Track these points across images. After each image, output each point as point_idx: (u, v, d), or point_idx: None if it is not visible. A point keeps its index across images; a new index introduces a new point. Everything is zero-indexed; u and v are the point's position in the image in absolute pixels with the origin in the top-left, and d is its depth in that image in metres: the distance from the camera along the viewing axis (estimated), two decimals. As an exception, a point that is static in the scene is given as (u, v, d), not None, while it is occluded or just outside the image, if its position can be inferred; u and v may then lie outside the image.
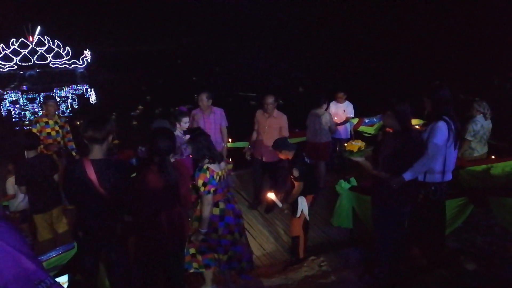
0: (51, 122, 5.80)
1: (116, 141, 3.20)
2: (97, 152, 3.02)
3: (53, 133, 5.81)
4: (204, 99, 5.89)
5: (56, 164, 4.87)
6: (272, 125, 5.85)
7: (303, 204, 4.59)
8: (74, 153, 6.11)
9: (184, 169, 3.45)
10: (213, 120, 6.00)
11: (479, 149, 5.85)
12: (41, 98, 22.30)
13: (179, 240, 3.42)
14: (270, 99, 5.76)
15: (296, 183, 4.56)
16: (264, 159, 5.98)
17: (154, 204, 3.21)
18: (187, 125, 5.09)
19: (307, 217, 4.72)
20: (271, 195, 4.64)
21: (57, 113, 6.03)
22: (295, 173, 4.51)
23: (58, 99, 20.04)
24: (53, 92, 23.50)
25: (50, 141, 5.77)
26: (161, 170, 3.14)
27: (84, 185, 2.94)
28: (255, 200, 6.37)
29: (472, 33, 36.03)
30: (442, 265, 4.00)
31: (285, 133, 5.89)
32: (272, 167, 6.06)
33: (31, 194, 4.62)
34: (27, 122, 15.98)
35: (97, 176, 2.96)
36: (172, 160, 3.50)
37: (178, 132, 5.03)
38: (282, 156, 4.75)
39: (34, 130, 5.63)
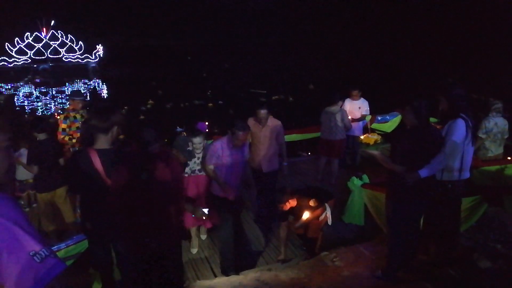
0: (78, 116, 5.90)
1: (121, 136, 3.17)
2: (102, 141, 3.00)
3: (73, 128, 5.88)
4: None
5: (61, 148, 5.28)
6: (268, 134, 5.58)
7: (329, 210, 4.69)
8: None
9: (173, 163, 3.14)
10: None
11: (493, 149, 5.81)
12: (53, 91, 22.55)
13: (168, 237, 3.21)
14: (263, 112, 5.43)
15: (317, 211, 4.70)
16: (263, 170, 5.63)
17: (127, 201, 3.00)
18: (198, 147, 4.82)
19: (330, 222, 4.78)
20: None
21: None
22: (313, 202, 4.65)
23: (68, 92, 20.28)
24: (65, 86, 23.73)
25: (78, 134, 5.85)
26: (132, 164, 2.97)
27: (90, 175, 2.92)
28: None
29: (488, 32, 35.63)
30: (455, 263, 4.00)
31: (282, 139, 5.72)
32: (272, 176, 5.74)
33: (39, 174, 4.94)
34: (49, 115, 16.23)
35: (103, 166, 2.94)
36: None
37: (193, 149, 4.87)
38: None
39: (64, 126, 5.79)
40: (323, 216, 4.77)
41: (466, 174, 3.86)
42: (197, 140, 4.78)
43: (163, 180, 3.00)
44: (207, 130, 11.60)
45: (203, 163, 4.64)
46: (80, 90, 19.85)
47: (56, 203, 5.18)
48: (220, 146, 4.45)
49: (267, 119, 5.50)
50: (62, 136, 5.75)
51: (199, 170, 4.88)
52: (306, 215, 4.69)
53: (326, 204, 4.74)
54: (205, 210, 4.08)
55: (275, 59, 34.10)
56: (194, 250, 5.10)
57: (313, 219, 4.75)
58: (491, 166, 5.85)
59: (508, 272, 3.88)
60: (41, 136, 4.91)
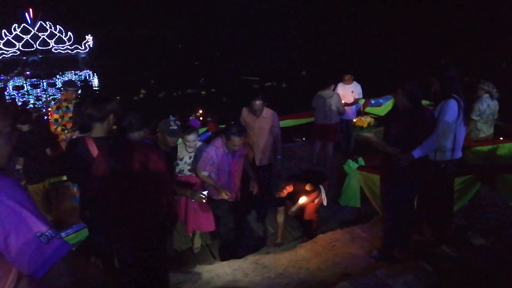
0: (71, 106, 5.87)
1: (114, 126, 3.15)
2: (99, 130, 3.01)
3: (66, 118, 5.85)
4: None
5: (49, 138, 5.35)
6: (263, 125, 5.31)
7: (323, 192, 4.75)
8: None
9: (154, 155, 2.87)
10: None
11: (485, 129, 5.90)
12: (44, 84, 22.33)
13: (144, 231, 2.92)
14: (258, 103, 5.17)
15: (312, 194, 4.79)
16: (257, 163, 5.41)
17: (101, 190, 2.85)
18: (191, 144, 4.40)
19: (325, 203, 4.85)
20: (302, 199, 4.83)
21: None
22: (309, 187, 4.73)
23: (60, 85, 20.12)
24: (56, 78, 23.50)
25: (56, 126, 5.83)
26: (109, 153, 2.79)
27: (87, 163, 2.90)
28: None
29: (479, 15, 35.68)
30: (449, 241, 4.09)
31: (277, 131, 5.44)
32: (265, 170, 5.55)
33: (26, 166, 4.99)
34: (40, 107, 16.13)
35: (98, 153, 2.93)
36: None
37: (183, 150, 4.48)
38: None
39: (56, 116, 5.76)
40: (318, 198, 4.86)
41: (459, 154, 3.93)
42: (191, 137, 4.37)
43: (137, 171, 2.76)
44: (201, 118, 11.61)
45: (195, 167, 4.35)
46: (73, 80, 19.71)
47: (47, 194, 5.25)
48: (215, 153, 4.19)
49: (262, 110, 5.25)
50: (54, 127, 5.73)
51: (189, 170, 4.51)
52: (302, 199, 4.78)
53: (321, 186, 4.82)
54: (205, 192, 3.96)
55: (267, 46, 33.93)
56: (196, 250, 4.90)
57: (309, 202, 4.84)
58: (484, 146, 5.95)
59: (500, 248, 3.98)
60: (24, 128, 4.89)
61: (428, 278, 3.52)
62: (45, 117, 12.80)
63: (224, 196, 4.21)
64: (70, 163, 3.17)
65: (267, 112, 5.32)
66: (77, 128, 3.05)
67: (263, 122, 5.30)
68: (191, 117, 11.65)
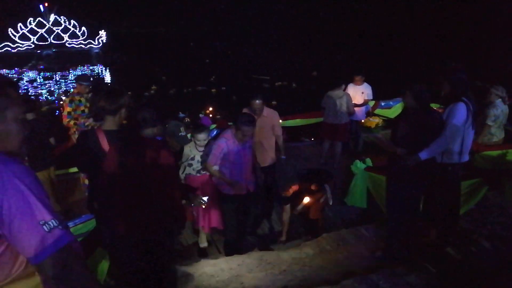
0: (83, 100, 5.95)
1: (124, 121, 3.18)
2: (110, 123, 3.02)
3: (86, 110, 5.95)
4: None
5: (53, 128, 5.47)
6: (264, 125, 5.22)
7: (328, 191, 4.78)
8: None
9: (164, 152, 2.88)
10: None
11: (498, 134, 5.87)
12: (57, 77, 22.59)
13: (149, 225, 2.93)
14: (258, 103, 5.06)
15: (318, 194, 4.87)
16: (261, 164, 5.39)
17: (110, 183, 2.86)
18: (202, 143, 4.44)
19: (331, 202, 4.89)
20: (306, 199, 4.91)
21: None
22: (314, 186, 4.83)
23: (73, 79, 20.32)
24: (69, 72, 23.75)
25: (84, 118, 5.92)
26: (121, 147, 2.82)
27: (97, 155, 2.94)
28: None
29: (490, 19, 35.27)
30: (454, 244, 4.09)
31: (278, 130, 5.39)
32: (270, 169, 5.53)
33: (30, 153, 5.04)
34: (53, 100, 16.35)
35: (109, 146, 2.95)
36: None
37: (194, 145, 4.49)
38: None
39: (69, 109, 5.84)
40: (323, 198, 4.89)
41: (466, 157, 3.92)
42: (202, 136, 4.40)
43: (147, 168, 2.80)
44: (211, 116, 11.65)
45: (205, 162, 4.32)
46: (87, 74, 19.90)
47: (51, 182, 5.35)
48: (226, 145, 4.14)
49: (262, 110, 5.16)
50: (67, 120, 5.80)
51: (203, 169, 4.51)
52: (307, 199, 4.82)
53: (326, 185, 4.85)
54: (205, 198, 3.89)
55: (278, 46, 33.94)
56: (203, 245, 4.89)
57: (314, 201, 4.88)
58: (492, 150, 5.92)
59: (506, 252, 3.97)
60: (29, 116, 4.95)
61: (432, 279, 3.54)
62: (57, 111, 13.01)
63: (238, 190, 4.21)
64: (80, 154, 3.21)
65: (267, 112, 5.27)
66: (92, 115, 3.09)
67: (264, 122, 5.21)
68: (201, 115, 11.73)
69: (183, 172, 4.61)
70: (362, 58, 22.79)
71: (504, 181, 4.42)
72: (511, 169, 5.42)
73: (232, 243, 4.65)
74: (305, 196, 4.86)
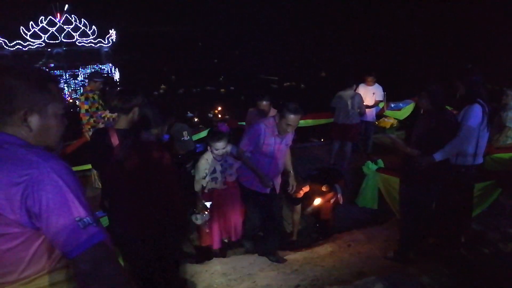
0: (96, 96, 5.98)
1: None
2: (123, 122, 3.01)
3: (100, 107, 5.99)
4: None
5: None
6: None
7: (339, 190, 4.80)
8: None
9: (165, 155, 2.86)
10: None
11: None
12: (67, 75, 22.78)
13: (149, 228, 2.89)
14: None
15: (328, 195, 4.87)
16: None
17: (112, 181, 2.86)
18: (221, 152, 3.93)
19: (341, 201, 4.90)
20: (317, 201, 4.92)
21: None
22: (325, 188, 4.83)
23: (83, 77, 20.49)
24: (78, 71, 23.95)
25: (87, 117, 5.95)
26: (124, 148, 2.79)
27: (108, 154, 2.92)
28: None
29: (501, 23, 35.01)
30: (466, 246, 4.08)
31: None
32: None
33: None
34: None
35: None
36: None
37: (211, 156, 4.01)
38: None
39: (86, 106, 5.85)
40: (334, 198, 4.90)
41: (480, 159, 3.91)
42: (220, 144, 3.88)
43: (147, 170, 2.77)
44: (219, 116, 11.66)
45: (237, 148, 3.96)
46: (99, 71, 20.03)
47: None
48: (263, 131, 3.74)
49: (269, 111, 5.06)
50: (86, 118, 5.83)
51: (223, 181, 4.06)
52: (317, 201, 4.84)
53: (336, 185, 4.86)
54: (207, 204, 3.80)
55: (286, 46, 33.93)
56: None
57: (325, 202, 4.89)
58: (505, 153, 5.89)
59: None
60: None
61: (444, 280, 3.53)
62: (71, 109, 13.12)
63: (264, 185, 3.88)
64: (93, 152, 3.24)
65: (274, 112, 5.09)
66: (109, 107, 3.09)
67: None
68: (210, 115, 11.73)
69: (205, 187, 4.09)
70: (372, 59, 22.74)
71: (517, 183, 4.40)
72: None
73: (247, 243, 4.55)
74: (316, 197, 4.88)
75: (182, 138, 3.79)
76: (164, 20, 50.41)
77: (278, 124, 3.73)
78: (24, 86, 1.30)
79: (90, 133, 5.62)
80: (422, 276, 3.62)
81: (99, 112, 5.78)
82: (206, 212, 3.83)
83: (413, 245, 4.03)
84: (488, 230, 4.44)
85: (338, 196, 4.95)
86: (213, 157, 3.97)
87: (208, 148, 4.01)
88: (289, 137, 3.98)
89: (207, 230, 4.11)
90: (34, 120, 1.34)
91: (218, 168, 4.01)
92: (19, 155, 1.25)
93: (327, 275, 3.90)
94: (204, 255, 4.35)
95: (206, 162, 3.99)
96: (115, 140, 2.97)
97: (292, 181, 4.22)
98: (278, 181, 4.14)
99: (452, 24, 37.70)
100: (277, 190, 4.16)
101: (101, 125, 5.74)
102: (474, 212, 4.45)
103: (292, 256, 4.47)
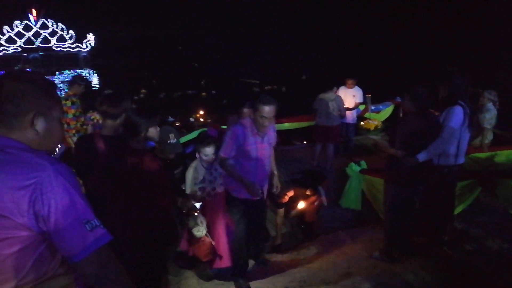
0: (78, 101, 5.89)
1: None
2: (109, 128, 2.94)
3: (78, 113, 5.89)
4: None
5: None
6: None
7: (323, 193, 4.84)
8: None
9: (153, 163, 2.75)
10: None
11: (489, 137, 6.03)
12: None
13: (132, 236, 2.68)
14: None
15: (312, 198, 4.90)
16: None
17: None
18: (210, 158, 3.72)
19: (325, 203, 4.95)
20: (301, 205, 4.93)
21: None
22: (310, 192, 4.85)
23: (61, 83, 20.15)
24: (55, 76, 23.53)
25: (75, 121, 5.86)
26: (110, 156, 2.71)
27: (92, 160, 2.84)
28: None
29: (481, 27, 36.03)
30: (449, 244, 4.18)
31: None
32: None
33: None
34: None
35: (106, 152, 2.84)
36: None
37: (199, 164, 3.79)
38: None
39: (73, 111, 5.78)
40: (318, 201, 4.95)
41: (462, 159, 4.01)
42: (209, 149, 3.68)
43: (135, 179, 2.65)
44: (201, 120, 11.59)
45: (219, 156, 3.65)
46: (82, 75, 19.73)
47: None
48: (241, 132, 3.48)
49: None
50: (74, 122, 5.75)
51: (212, 191, 3.76)
52: (301, 204, 4.88)
53: (320, 187, 4.91)
54: (197, 205, 3.56)
55: (267, 50, 34.11)
56: None
57: (309, 205, 4.93)
58: (482, 153, 6.07)
59: (497, 251, 4.07)
60: None
61: (429, 278, 3.61)
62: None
63: (253, 194, 3.52)
64: (77, 159, 3.16)
65: None
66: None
67: None
68: (192, 119, 11.67)
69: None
70: (350, 63, 23.05)
71: (496, 183, 4.52)
72: (503, 170, 5.56)
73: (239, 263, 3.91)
74: (300, 201, 4.92)
75: (169, 141, 3.55)
76: (144, 24, 50.10)
77: (255, 120, 3.47)
78: (31, 91, 1.32)
79: (75, 138, 5.51)
80: (407, 275, 3.69)
81: (88, 115, 5.68)
82: (205, 223, 3.54)
83: (398, 244, 4.09)
84: (470, 227, 4.56)
85: (322, 198, 5.00)
86: (202, 165, 3.77)
87: (197, 155, 3.82)
88: (271, 136, 3.72)
89: (213, 242, 3.70)
90: (40, 123, 1.34)
91: (207, 177, 3.77)
92: (24, 158, 1.26)
93: (315, 276, 3.93)
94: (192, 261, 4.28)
95: (194, 171, 3.79)
96: (100, 147, 2.89)
97: (276, 182, 3.98)
98: (266, 186, 3.81)
99: (433, 27, 38.59)
100: (265, 195, 3.86)
101: (90, 128, 5.63)
102: (456, 211, 4.55)
103: (278, 258, 4.49)
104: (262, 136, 3.56)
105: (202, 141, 3.79)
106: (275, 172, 4.02)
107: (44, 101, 1.35)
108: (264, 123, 3.40)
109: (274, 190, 4.01)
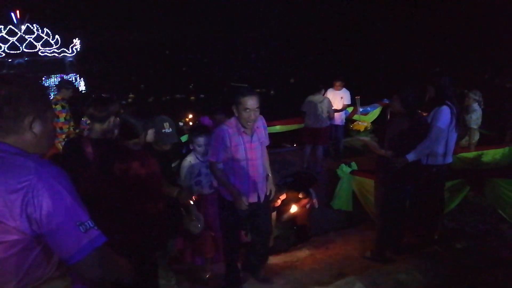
0: (67, 105, 5.85)
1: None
2: (98, 131, 2.93)
3: (68, 117, 5.85)
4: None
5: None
6: None
7: (314, 195, 4.87)
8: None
9: (150, 164, 2.70)
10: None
11: (475, 136, 6.13)
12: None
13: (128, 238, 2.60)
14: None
15: (304, 200, 4.94)
16: None
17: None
18: (203, 150, 3.62)
19: (317, 205, 4.98)
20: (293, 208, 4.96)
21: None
22: (302, 195, 4.92)
23: (48, 88, 19.91)
24: (42, 81, 23.26)
25: (68, 125, 5.80)
26: (104, 160, 2.66)
27: (79, 164, 2.79)
28: None
29: (466, 29, 36.63)
30: (439, 243, 4.24)
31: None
32: None
33: None
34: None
35: (95, 156, 2.83)
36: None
37: (194, 157, 3.69)
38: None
39: (64, 115, 5.76)
40: (309, 203, 5.00)
41: (449, 159, 4.08)
42: (202, 140, 3.56)
43: (131, 182, 2.61)
44: (190, 123, 11.55)
45: (209, 162, 3.44)
46: (69, 80, 19.52)
47: None
48: (227, 133, 3.26)
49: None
50: (67, 126, 5.71)
51: (210, 187, 3.70)
52: (293, 208, 4.91)
53: (311, 190, 4.96)
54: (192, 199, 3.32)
55: (255, 53, 34.20)
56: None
57: (301, 208, 4.97)
58: (469, 152, 6.18)
59: (488, 249, 4.14)
60: None
61: (420, 276, 3.66)
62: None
63: (237, 205, 3.32)
64: (65, 164, 3.13)
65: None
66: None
67: None
68: (181, 123, 11.63)
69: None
70: (338, 66, 23.24)
71: (484, 181, 4.61)
72: (490, 169, 5.67)
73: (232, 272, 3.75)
74: (292, 204, 4.95)
75: (163, 130, 3.35)
76: (131, 28, 49.81)
77: (239, 117, 3.25)
78: (28, 94, 1.33)
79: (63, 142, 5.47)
80: (399, 274, 3.73)
81: (84, 119, 5.64)
82: (202, 218, 3.35)
83: (389, 244, 4.14)
84: (459, 226, 4.64)
85: (314, 200, 5.04)
86: (196, 157, 3.63)
87: (191, 146, 3.68)
88: (262, 135, 3.45)
89: (213, 234, 3.63)
90: (38, 126, 1.35)
91: (203, 170, 3.66)
92: (17, 162, 1.26)
93: (308, 277, 3.95)
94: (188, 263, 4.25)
95: (189, 165, 3.65)
96: (88, 151, 2.87)
97: (270, 185, 3.70)
98: (263, 188, 3.53)
99: (419, 30, 39.10)
100: (262, 199, 3.53)
101: (86, 132, 5.59)
102: (445, 210, 4.63)
103: (272, 261, 4.49)
104: (250, 134, 3.33)
105: (194, 130, 3.62)
106: (270, 175, 3.74)
107: (40, 104, 1.37)
108: (250, 117, 3.18)
109: (268, 193, 3.68)
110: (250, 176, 3.37)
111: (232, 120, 3.32)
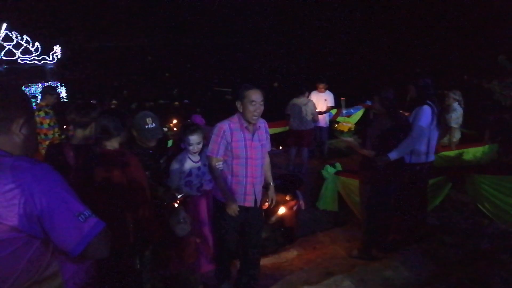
0: (51, 111, 5.79)
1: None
2: (80, 137, 2.94)
3: (52, 123, 5.79)
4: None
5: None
6: None
7: (301, 196, 4.93)
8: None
9: (132, 166, 2.65)
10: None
11: (457, 135, 6.27)
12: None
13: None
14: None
15: (291, 203, 4.99)
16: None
17: None
18: (196, 148, 3.54)
19: (303, 207, 5.03)
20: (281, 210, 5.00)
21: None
22: (289, 197, 4.96)
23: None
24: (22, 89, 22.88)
25: (52, 131, 5.74)
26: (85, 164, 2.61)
27: (64, 172, 2.75)
28: None
29: (445, 32, 37.33)
30: (423, 240, 4.32)
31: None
32: None
33: None
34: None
35: (76, 161, 2.83)
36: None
37: (188, 156, 3.58)
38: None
39: (48, 121, 5.68)
40: (296, 205, 5.05)
41: (432, 157, 4.19)
42: (195, 138, 3.45)
43: (113, 186, 2.54)
44: (175, 129, 11.51)
45: (207, 157, 3.34)
46: (53, 85, 19.24)
47: None
48: (228, 127, 3.19)
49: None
50: (51, 132, 5.65)
51: (198, 189, 3.61)
52: (281, 210, 4.95)
53: (298, 192, 5.01)
54: (179, 196, 3.33)
55: (239, 58, 34.28)
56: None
57: (288, 210, 5.02)
58: (450, 151, 6.31)
59: (471, 245, 4.24)
60: None
61: (406, 273, 3.73)
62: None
63: (231, 210, 3.20)
64: None
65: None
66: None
67: None
68: (166, 129, 11.57)
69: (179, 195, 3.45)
70: (321, 69, 23.44)
71: (465, 178, 4.73)
72: (471, 166, 5.81)
73: (221, 269, 3.73)
74: (280, 206, 4.99)
75: (146, 126, 3.21)
76: (112, 34, 49.38)
77: (244, 112, 3.19)
78: (19, 97, 1.40)
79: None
80: (385, 270, 3.79)
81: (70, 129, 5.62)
82: (189, 221, 3.28)
83: (376, 242, 4.21)
84: (443, 223, 4.73)
85: (300, 202, 5.09)
86: (188, 157, 3.51)
87: (182, 146, 3.57)
88: (263, 136, 3.39)
89: (198, 240, 3.52)
90: (26, 128, 1.40)
91: (195, 171, 3.56)
92: (7, 162, 1.28)
93: (297, 277, 3.98)
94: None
95: (180, 164, 3.52)
96: (69, 157, 2.87)
97: (271, 194, 3.56)
98: (259, 194, 3.42)
99: (400, 31, 39.68)
100: (258, 203, 3.43)
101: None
102: (429, 207, 4.73)
103: (261, 262, 4.51)
104: (251, 132, 3.26)
105: (186, 128, 3.51)
106: (271, 184, 3.60)
107: (28, 107, 1.44)
108: (256, 110, 3.14)
109: (269, 202, 3.54)
110: (248, 176, 3.28)
111: (235, 117, 3.28)
